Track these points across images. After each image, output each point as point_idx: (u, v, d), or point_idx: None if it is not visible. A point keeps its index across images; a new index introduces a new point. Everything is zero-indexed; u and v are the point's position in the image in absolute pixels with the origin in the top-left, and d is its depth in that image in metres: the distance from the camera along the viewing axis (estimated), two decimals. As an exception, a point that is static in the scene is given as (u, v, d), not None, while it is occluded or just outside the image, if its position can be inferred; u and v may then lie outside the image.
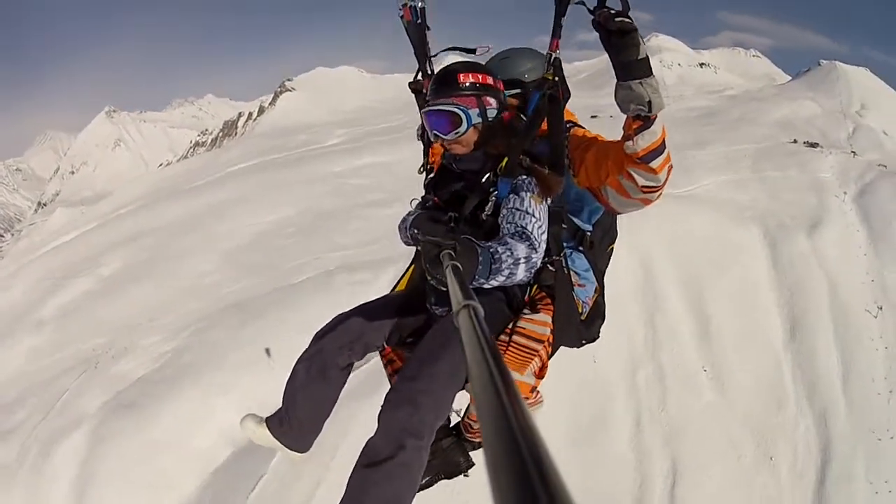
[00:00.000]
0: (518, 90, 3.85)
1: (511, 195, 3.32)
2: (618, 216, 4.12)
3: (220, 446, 15.52)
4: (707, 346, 19.69)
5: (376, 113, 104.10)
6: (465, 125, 3.42)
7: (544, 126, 3.52)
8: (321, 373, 3.57)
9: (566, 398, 17.40)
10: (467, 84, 3.42)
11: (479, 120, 3.46)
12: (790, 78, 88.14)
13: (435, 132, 3.51)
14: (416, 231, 3.50)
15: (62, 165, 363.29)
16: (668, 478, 16.94)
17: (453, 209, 3.51)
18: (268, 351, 17.87)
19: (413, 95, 4.27)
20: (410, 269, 4.29)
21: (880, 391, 19.42)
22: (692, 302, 20.70)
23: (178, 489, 15.03)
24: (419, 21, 4.00)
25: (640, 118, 2.99)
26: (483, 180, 3.43)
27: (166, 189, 52.48)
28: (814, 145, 34.66)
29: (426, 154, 4.10)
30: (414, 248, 4.12)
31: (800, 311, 21.07)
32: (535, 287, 3.58)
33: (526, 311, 3.50)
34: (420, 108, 4.00)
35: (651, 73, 2.94)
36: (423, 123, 4.04)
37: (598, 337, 4.02)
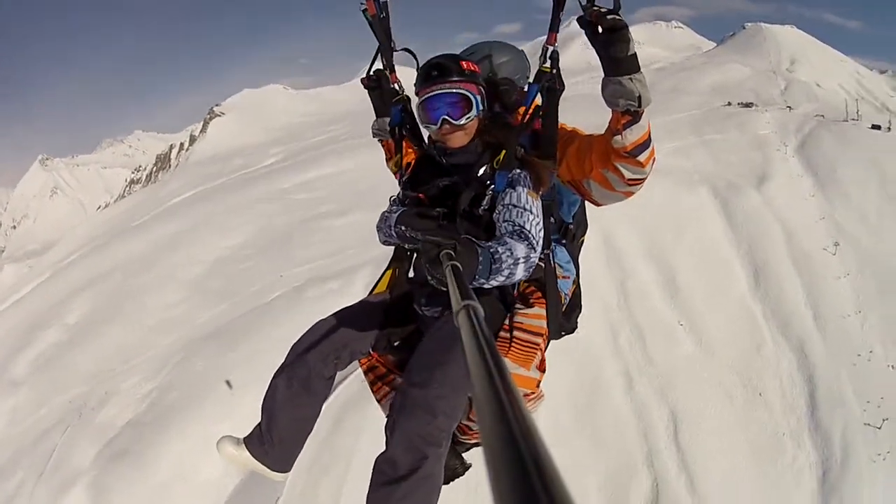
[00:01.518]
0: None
1: (507, 190, 3.16)
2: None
3: (229, 475, 15.47)
4: (678, 303, 20.45)
5: (307, 127, 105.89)
6: (475, 109, 3.27)
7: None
8: (304, 385, 3.28)
9: (558, 370, 17.65)
10: (468, 71, 3.31)
11: (483, 108, 3.33)
12: (715, 45, 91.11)
13: (445, 117, 3.26)
14: (403, 228, 3.23)
15: (3, 220, 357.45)
16: (670, 425, 17.56)
17: (441, 205, 3.28)
18: (228, 383, 17.83)
19: (366, 93, 4.11)
20: (390, 270, 3.96)
21: (851, 317, 20.44)
22: (658, 265, 21.48)
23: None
24: (383, 15, 3.88)
25: (629, 113, 3.01)
26: (479, 174, 3.27)
27: (113, 229, 52.02)
28: (749, 105, 36.00)
29: (399, 150, 3.88)
30: (392, 249, 3.87)
31: (760, 260, 22.02)
32: (522, 281, 3.47)
33: (519, 305, 3.40)
34: (377, 105, 4.05)
35: (639, 68, 2.98)
36: (389, 118, 3.97)
37: (577, 328, 3.92)
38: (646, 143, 3.10)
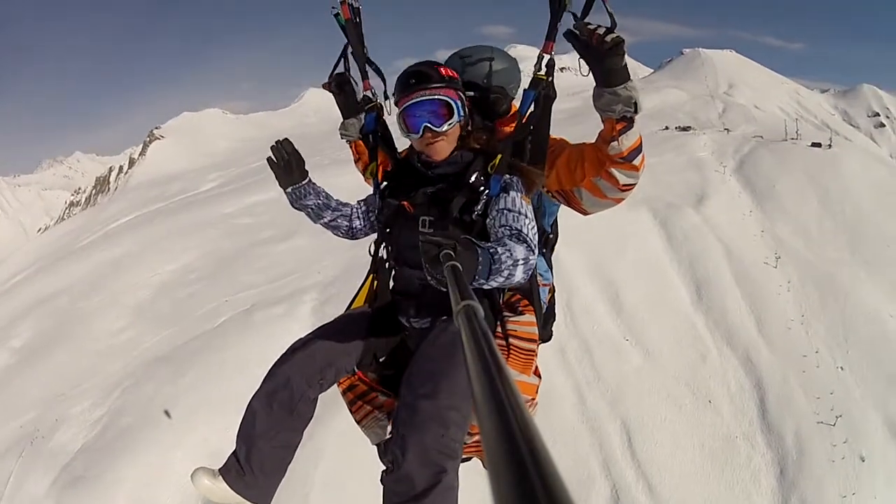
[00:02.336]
0: (473, 93, 3.66)
1: (501, 194, 3.11)
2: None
3: (187, 501, 15.17)
4: (623, 318, 21.00)
5: (246, 152, 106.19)
6: (457, 115, 3.20)
7: (511, 126, 3.50)
8: (288, 408, 3.09)
9: None
10: (447, 77, 3.25)
11: (464, 113, 3.26)
12: (652, 70, 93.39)
13: (426, 125, 3.19)
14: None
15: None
16: (623, 435, 18.02)
17: (428, 213, 3.16)
18: (167, 413, 17.62)
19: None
20: (368, 282, 3.89)
21: (795, 325, 21.38)
22: (601, 283, 22.00)
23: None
24: (357, 20, 3.87)
25: (625, 119, 3.04)
26: (472, 179, 3.19)
27: (56, 252, 51.38)
28: (686, 129, 37.12)
29: (374, 157, 3.79)
30: (370, 262, 3.69)
31: (702, 275, 22.81)
32: (507, 290, 3.45)
33: (507, 313, 3.37)
34: (343, 107, 4.04)
35: (630, 76, 3.02)
36: (356, 120, 4.03)
37: (552, 337, 3.94)
38: (639, 148, 3.17)
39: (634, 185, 3.32)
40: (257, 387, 3.14)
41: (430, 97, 3.17)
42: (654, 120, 40.62)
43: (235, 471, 3.07)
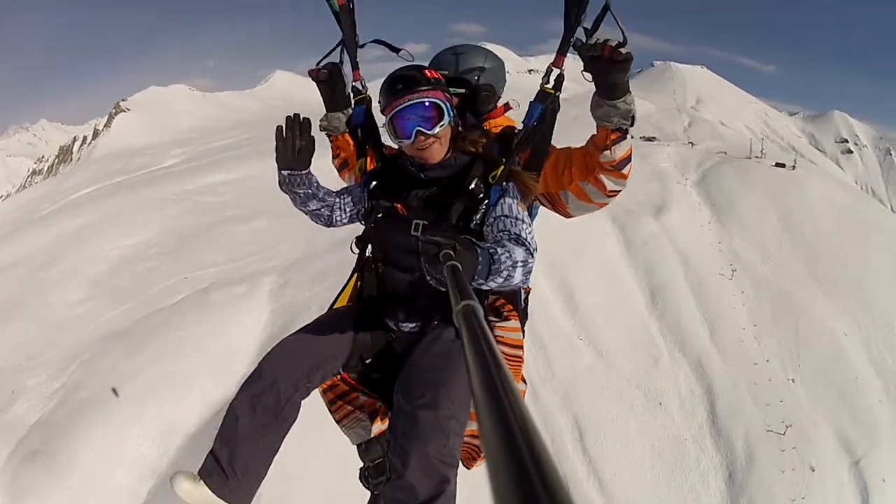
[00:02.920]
0: (463, 90, 3.62)
1: (499, 201, 2.95)
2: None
3: (143, 479, 15.17)
4: (577, 318, 21.51)
5: (210, 131, 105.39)
6: (447, 117, 3.00)
7: (496, 129, 3.47)
8: (272, 412, 2.90)
9: None
10: (433, 80, 3.06)
11: (453, 114, 3.07)
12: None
13: (418, 128, 2.98)
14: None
15: None
16: (575, 432, 18.54)
17: (422, 217, 3.00)
18: (115, 391, 17.47)
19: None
20: (351, 285, 3.61)
21: (748, 336, 22.16)
22: (558, 282, 22.46)
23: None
24: (351, 6, 3.64)
25: (620, 130, 2.94)
26: (471, 186, 3.00)
27: (16, 221, 50.42)
28: (651, 139, 37.83)
29: (363, 153, 3.62)
30: (354, 261, 3.52)
31: (657, 282, 23.47)
32: (490, 293, 3.25)
33: (493, 318, 3.20)
34: (328, 100, 3.81)
35: (630, 89, 2.96)
36: (341, 114, 3.82)
37: (524, 337, 3.50)
38: (629, 157, 3.11)
39: (620, 191, 3.21)
40: (239, 384, 3.00)
41: (420, 100, 2.99)
42: (618, 129, 41.48)
43: (217, 474, 2.86)
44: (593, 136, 3.09)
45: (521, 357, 3.14)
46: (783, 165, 32.26)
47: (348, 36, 3.64)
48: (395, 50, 3.75)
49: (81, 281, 27.79)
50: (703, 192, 28.41)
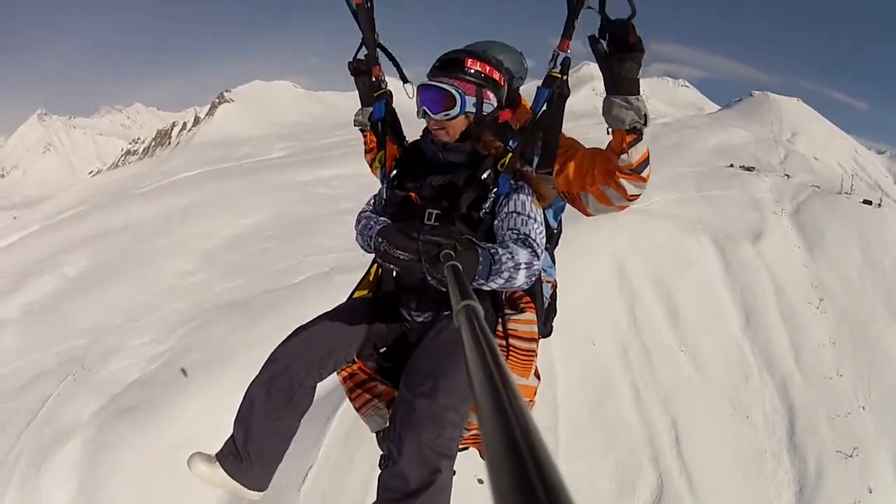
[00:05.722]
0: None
1: (511, 195, 3.07)
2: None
3: None
4: (679, 331, 22.26)
5: (312, 129, 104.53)
6: (457, 109, 3.16)
7: (517, 115, 3.60)
8: (286, 395, 3.08)
9: (577, 375, 19.41)
10: (472, 71, 3.20)
11: (474, 110, 3.21)
12: (718, 107, 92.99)
13: (424, 108, 3.23)
14: (380, 241, 2.70)
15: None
16: (672, 433, 19.22)
17: (436, 206, 3.12)
18: (184, 371, 17.67)
19: (354, 83, 3.91)
20: (372, 273, 3.81)
21: (828, 363, 22.59)
22: (662, 296, 23.26)
23: (206, 491, 14.78)
24: (368, 6, 3.77)
25: (634, 131, 3.10)
26: (483, 177, 3.12)
27: (115, 193, 51.13)
28: (750, 169, 38.03)
29: (382, 146, 3.77)
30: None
31: (751, 305, 24.05)
32: None
33: (508, 310, 3.31)
34: (363, 94, 4.04)
35: (640, 90, 3.11)
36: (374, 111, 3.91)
37: (552, 333, 3.79)
38: (647, 160, 3.20)
39: (640, 195, 3.40)
40: (256, 372, 3.16)
41: (439, 84, 3.17)
42: (720, 155, 41.85)
43: (233, 456, 3.08)
44: (610, 141, 3.26)
45: (533, 351, 3.24)
46: (870, 202, 32.32)
47: (367, 33, 3.79)
48: (397, 65, 3.93)
49: (192, 254, 28.08)
50: (796, 223, 28.86)
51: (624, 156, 3.15)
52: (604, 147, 3.30)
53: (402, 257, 2.51)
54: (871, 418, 21.05)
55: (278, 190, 38.25)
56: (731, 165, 39.16)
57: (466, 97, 3.16)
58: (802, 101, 63.52)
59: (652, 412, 19.81)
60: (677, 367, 21.20)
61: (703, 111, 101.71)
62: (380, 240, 2.67)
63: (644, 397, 20.15)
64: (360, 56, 3.96)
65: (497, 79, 3.26)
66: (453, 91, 3.14)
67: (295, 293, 21.22)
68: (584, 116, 56.55)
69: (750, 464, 19.26)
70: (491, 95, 3.23)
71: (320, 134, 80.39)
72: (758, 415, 20.66)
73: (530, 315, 3.28)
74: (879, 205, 32.50)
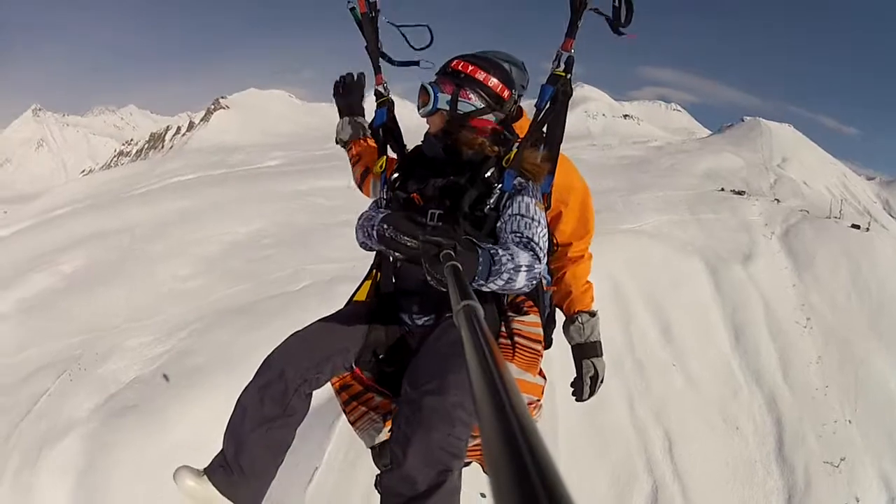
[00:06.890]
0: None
1: (515, 197, 3.06)
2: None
3: None
4: (671, 347, 22.86)
5: (309, 140, 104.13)
6: (430, 105, 3.24)
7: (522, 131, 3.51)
8: (280, 404, 2.97)
9: (568, 383, 19.73)
10: (449, 71, 3.30)
11: (447, 108, 3.24)
12: (710, 132, 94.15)
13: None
14: (386, 227, 2.71)
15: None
16: (665, 442, 19.72)
17: (438, 206, 3.13)
18: (166, 377, 16.83)
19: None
20: (372, 277, 3.78)
21: (816, 379, 23.35)
22: (655, 314, 23.85)
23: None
24: (373, 15, 3.80)
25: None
26: (487, 174, 3.12)
27: (110, 192, 49.39)
28: (740, 193, 38.83)
29: (384, 151, 3.80)
30: (373, 256, 3.73)
31: (740, 323, 24.80)
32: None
33: (511, 313, 3.29)
34: (341, 103, 4.40)
35: (601, 353, 3.51)
36: (358, 115, 4.33)
37: (552, 344, 3.76)
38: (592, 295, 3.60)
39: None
40: (248, 381, 3.05)
41: (424, 83, 3.30)
42: (710, 179, 42.49)
43: (223, 470, 2.95)
44: (573, 297, 3.81)
45: (538, 350, 3.21)
46: (858, 227, 32.92)
47: (371, 42, 3.82)
48: (411, 64, 3.94)
49: (191, 258, 27.43)
50: (785, 246, 29.61)
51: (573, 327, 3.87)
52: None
53: (408, 244, 2.54)
54: (858, 431, 21.80)
55: (275, 198, 37.81)
56: (723, 189, 39.98)
57: (440, 95, 3.24)
58: (794, 128, 64.42)
59: (646, 421, 20.38)
60: (670, 380, 21.86)
61: (695, 135, 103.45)
62: (385, 226, 2.69)
63: (637, 407, 20.71)
64: (349, 73, 4.26)
65: (479, 80, 3.26)
66: (428, 88, 3.26)
67: (296, 300, 20.68)
68: (579, 139, 56.96)
69: (741, 473, 19.94)
70: (471, 96, 3.25)
71: (315, 145, 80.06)
72: (748, 427, 21.35)
73: (534, 317, 3.29)
74: (867, 229, 33.09)
